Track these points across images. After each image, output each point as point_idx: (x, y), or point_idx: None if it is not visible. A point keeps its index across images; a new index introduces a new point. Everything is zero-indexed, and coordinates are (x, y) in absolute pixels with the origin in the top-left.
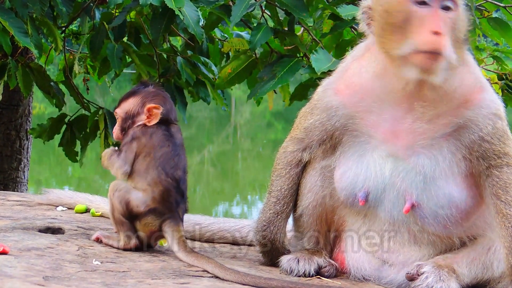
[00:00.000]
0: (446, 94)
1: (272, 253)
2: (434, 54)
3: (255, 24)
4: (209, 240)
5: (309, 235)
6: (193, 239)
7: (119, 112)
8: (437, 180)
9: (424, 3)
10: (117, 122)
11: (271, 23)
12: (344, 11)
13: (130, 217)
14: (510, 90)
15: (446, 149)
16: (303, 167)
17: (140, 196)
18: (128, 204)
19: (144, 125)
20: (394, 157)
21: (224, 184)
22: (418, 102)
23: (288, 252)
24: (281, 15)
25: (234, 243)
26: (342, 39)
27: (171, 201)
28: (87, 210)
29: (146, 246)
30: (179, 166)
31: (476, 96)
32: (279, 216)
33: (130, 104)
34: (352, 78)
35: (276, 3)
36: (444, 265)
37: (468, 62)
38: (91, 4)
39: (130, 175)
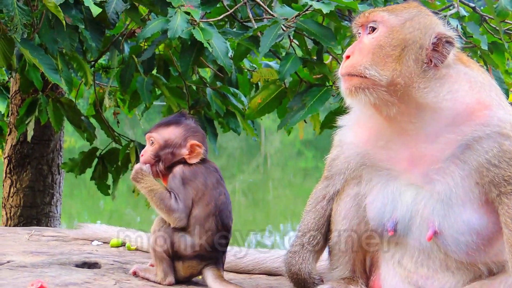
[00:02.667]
0: (433, 110)
1: (300, 284)
2: (348, 76)
3: (283, 54)
4: (245, 271)
5: (345, 263)
6: (229, 270)
7: (157, 138)
8: (454, 207)
9: (359, 34)
10: (151, 148)
11: (299, 53)
12: None
13: (173, 256)
14: None
15: (458, 174)
16: (330, 200)
17: (189, 240)
18: (174, 244)
19: (185, 161)
20: (415, 186)
21: (256, 214)
22: (406, 123)
23: (321, 282)
24: (309, 44)
25: (270, 273)
26: None
27: (218, 249)
28: (122, 244)
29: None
30: (231, 214)
31: (478, 113)
32: (304, 248)
33: (171, 134)
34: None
35: (304, 32)
36: None
37: (460, 78)
38: (120, 38)
39: None
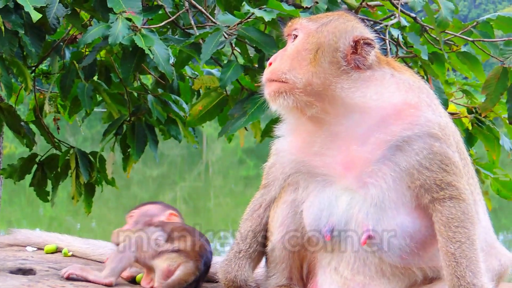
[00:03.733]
0: (362, 110)
1: None
2: (269, 82)
3: (225, 62)
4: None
5: (281, 270)
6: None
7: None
8: (387, 210)
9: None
10: None
11: (241, 60)
12: None
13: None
14: (479, 124)
15: (390, 176)
16: (267, 208)
17: None
18: None
19: None
20: (350, 190)
21: (197, 221)
22: (336, 125)
23: None
24: (252, 51)
25: (207, 280)
26: None
27: None
28: (57, 250)
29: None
30: None
31: (405, 112)
32: (240, 255)
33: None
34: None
35: (246, 40)
36: None
37: (387, 79)
38: (61, 44)
39: None
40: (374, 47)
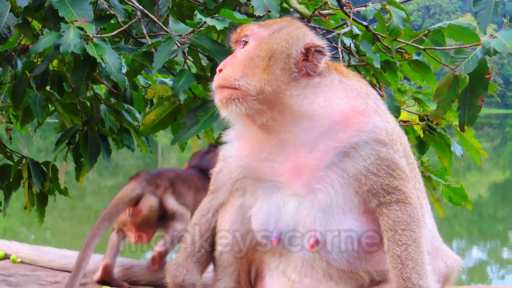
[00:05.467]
0: (310, 117)
1: None
2: (220, 88)
3: (178, 71)
4: (133, 282)
5: (229, 274)
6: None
7: None
8: (335, 215)
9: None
10: None
11: (194, 69)
12: None
13: None
14: (431, 131)
15: (337, 182)
16: (215, 213)
17: None
18: None
19: None
20: (297, 195)
21: None
22: (284, 133)
23: None
24: (205, 61)
25: (156, 284)
26: None
27: None
28: (5, 257)
29: None
30: None
31: (353, 119)
32: (188, 259)
33: None
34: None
35: (198, 49)
36: None
37: (335, 86)
38: (13, 53)
39: None
40: (325, 55)
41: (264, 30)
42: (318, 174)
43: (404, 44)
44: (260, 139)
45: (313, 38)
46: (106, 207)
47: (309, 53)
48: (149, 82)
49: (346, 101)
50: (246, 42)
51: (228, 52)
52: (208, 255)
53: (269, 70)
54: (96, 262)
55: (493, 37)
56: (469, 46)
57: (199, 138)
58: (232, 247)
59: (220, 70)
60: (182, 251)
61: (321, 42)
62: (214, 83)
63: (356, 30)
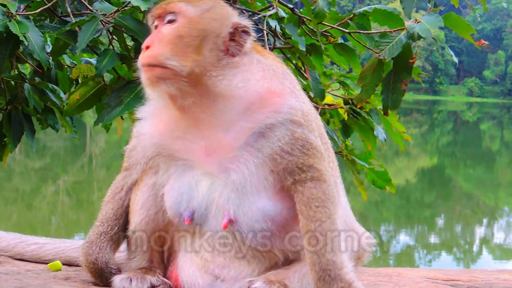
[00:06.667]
0: (226, 99)
1: (97, 273)
2: (149, 66)
3: (102, 50)
4: (45, 261)
5: (142, 253)
6: (29, 260)
7: None
8: (249, 195)
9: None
10: None
11: (119, 49)
12: None
13: None
14: (355, 115)
15: (252, 162)
16: (128, 190)
17: None
18: None
19: None
20: (210, 175)
21: (80, 214)
22: (199, 113)
23: (119, 272)
24: (131, 41)
25: (70, 263)
26: None
27: None
28: None
29: None
30: None
31: (269, 101)
32: (102, 237)
33: None
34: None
35: (122, 28)
36: (276, 280)
37: (253, 66)
38: None
39: None
40: (250, 35)
41: (193, 8)
42: (233, 154)
43: (329, 27)
44: (176, 118)
45: (239, 18)
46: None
47: (236, 33)
48: (74, 61)
49: (263, 83)
50: (172, 20)
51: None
52: (121, 233)
53: (200, 50)
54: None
55: (417, 22)
56: (394, 31)
57: (123, 119)
58: (145, 225)
59: (147, 47)
60: (95, 229)
61: (247, 22)
62: (141, 61)
63: (282, 13)
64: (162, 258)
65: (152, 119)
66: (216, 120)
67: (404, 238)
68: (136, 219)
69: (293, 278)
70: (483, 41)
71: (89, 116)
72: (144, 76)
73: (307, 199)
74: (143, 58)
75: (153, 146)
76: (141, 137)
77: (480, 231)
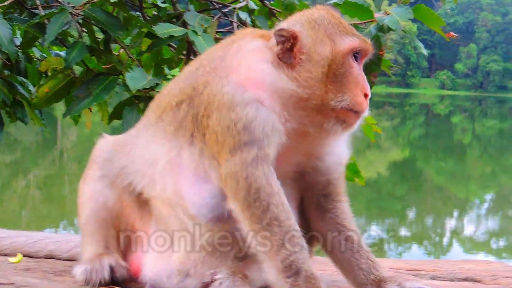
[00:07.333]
0: None
1: None
2: (361, 114)
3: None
4: (4, 254)
5: (97, 240)
6: None
7: None
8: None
9: (356, 59)
10: None
11: (88, 42)
12: (161, 29)
13: None
14: None
15: None
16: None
17: None
18: None
19: None
20: None
21: (51, 209)
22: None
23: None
24: (101, 33)
25: (30, 256)
26: (161, 57)
27: None
28: None
29: None
30: None
31: None
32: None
33: None
34: None
35: (92, 21)
36: (238, 271)
37: None
38: None
39: None
40: None
41: None
42: None
43: None
44: None
45: None
46: None
47: None
48: (44, 54)
49: None
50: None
51: (122, 25)
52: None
53: None
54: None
55: (387, 14)
56: (364, 23)
57: (91, 111)
58: (96, 213)
59: (366, 95)
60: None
61: None
62: (362, 108)
63: (252, 5)
64: (118, 243)
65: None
66: None
67: (375, 231)
68: (86, 209)
69: (253, 268)
70: (453, 33)
71: (60, 110)
72: (357, 122)
73: None
74: (364, 106)
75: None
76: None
77: (450, 224)
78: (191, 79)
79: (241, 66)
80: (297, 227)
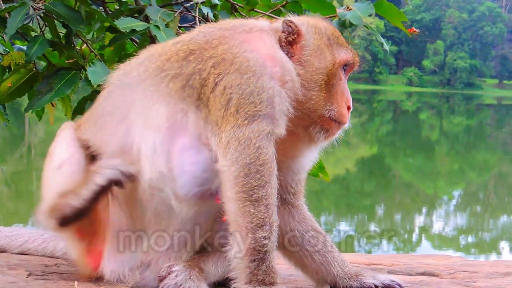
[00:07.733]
0: None
1: None
2: (343, 125)
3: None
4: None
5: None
6: None
7: None
8: None
9: (344, 71)
10: None
11: (50, 36)
12: (123, 23)
13: None
14: None
15: None
16: None
17: None
18: None
19: None
20: None
21: (19, 205)
22: None
23: None
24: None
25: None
26: (124, 52)
27: None
28: None
29: None
30: None
31: None
32: None
33: None
34: None
35: (53, 15)
36: (194, 265)
37: None
38: None
39: None
40: None
41: None
42: None
43: (262, 14)
44: None
45: None
46: None
47: None
48: (7, 49)
49: None
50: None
51: (83, 19)
52: None
53: None
54: None
55: (349, 9)
56: (326, 18)
57: (53, 106)
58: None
59: (349, 108)
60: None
61: None
62: (345, 119)
63: (215, 0)
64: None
65: None
66: None
67: (344, 227)
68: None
69: (209, 262)
70: (415, 28)
71: (14, 100)
72: (337, 132)
73: None
74: (346, 118)
75: None
76: None
77: (419, 220)
78: (205, 32)
79: (261, 43)
80: (277, 217)
